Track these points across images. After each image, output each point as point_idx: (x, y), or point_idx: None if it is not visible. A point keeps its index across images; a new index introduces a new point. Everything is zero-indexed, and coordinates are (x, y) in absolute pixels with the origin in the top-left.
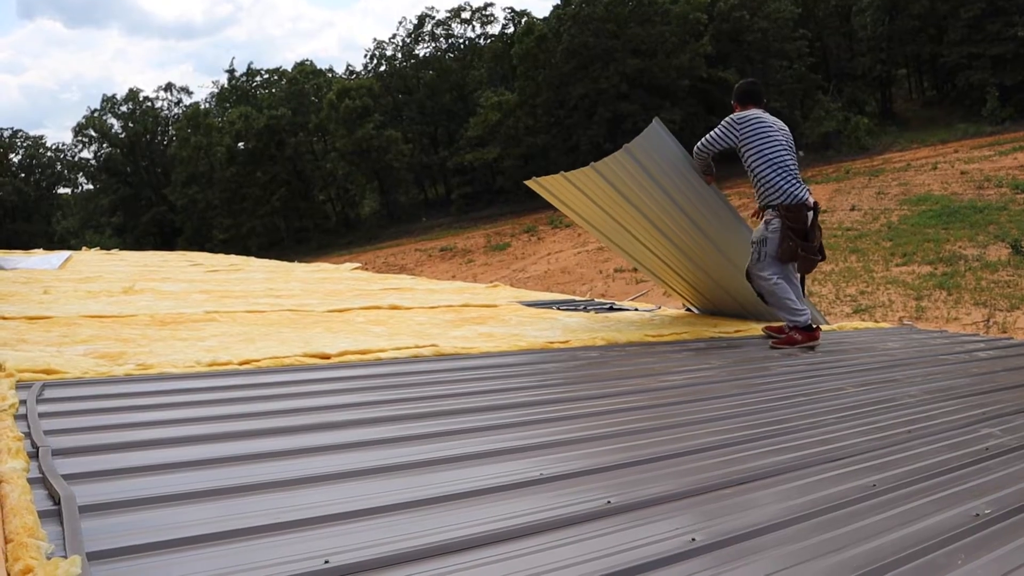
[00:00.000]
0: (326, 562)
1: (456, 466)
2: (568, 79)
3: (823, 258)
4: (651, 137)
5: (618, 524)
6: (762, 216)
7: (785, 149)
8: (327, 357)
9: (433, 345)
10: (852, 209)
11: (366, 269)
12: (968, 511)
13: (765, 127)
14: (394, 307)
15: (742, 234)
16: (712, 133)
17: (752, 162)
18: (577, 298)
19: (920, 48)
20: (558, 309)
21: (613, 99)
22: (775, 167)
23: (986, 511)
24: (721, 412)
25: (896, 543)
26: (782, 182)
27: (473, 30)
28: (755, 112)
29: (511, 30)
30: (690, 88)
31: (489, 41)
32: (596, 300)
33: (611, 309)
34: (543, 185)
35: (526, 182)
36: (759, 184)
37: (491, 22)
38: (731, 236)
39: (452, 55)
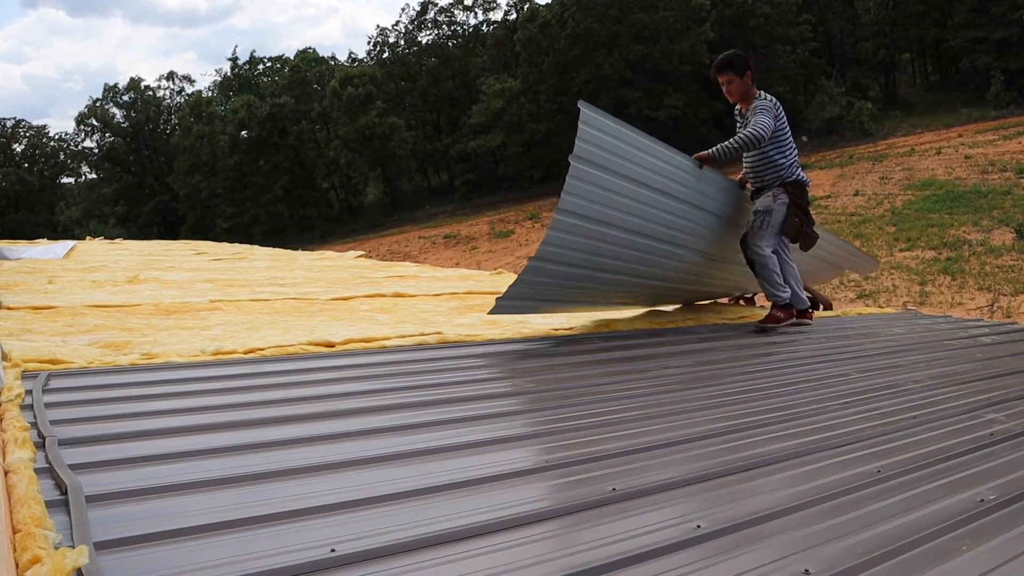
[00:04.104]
0: (332, 550)
1: (461, 454)
2: (572, 65)
3: (816, 238)
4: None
5: (623, 511)
6: (767, 192)
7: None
8: (331, 345)
9: (437, 333)
10: (856, 194)
11: (370, 257)
12: (973, 497)
13: (783, 110)
14: (398, 295)
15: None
16: (766, 120)
17: (776, 145)
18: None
19: (924, 32)
20: None
21: (617, 85)
22: (791, 149)
23: (991, 497)
24: (725, 398)
25: (901, 529)
26: (790, 163)
27: (476, 16)
28: (769, 94)
29: (514, 16)
30: (692, 74)
31: (492, 28)
32: None
33: None
34: (521, 297)
35: (492, 314)
36: (768, 164)
37: (494, 8)
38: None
39: (455, 42)
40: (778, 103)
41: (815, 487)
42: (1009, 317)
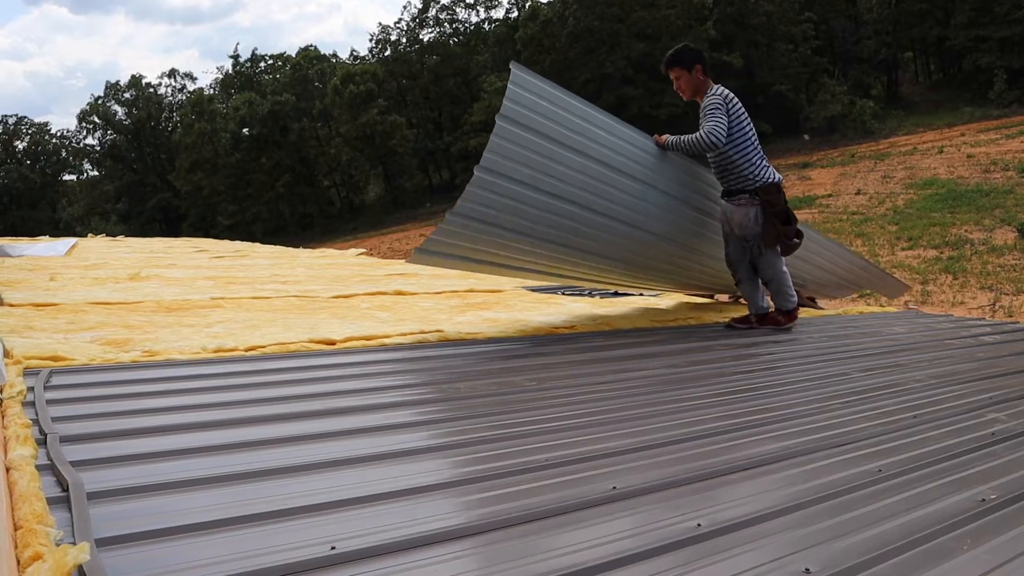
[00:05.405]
0: (332, 548)
1: (462, 452)
2: (573, 64)
3: (800, 241)
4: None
5: (623, 510)
6: (740, 208)
7: (755, 130)
8: (332, 343)
9: (438, 331)
10: (857, 193)
11: (371, 255)
12: (974, 496)
13: (741, 106)
14: (399, 293)
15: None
16: (717, 122)
17: (735, 143)
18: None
19: (926, 31)
20: (563, 294)
21: (618, 84)
22: (754, 150)
23: (992, 496)
24: (726, 397)
25: (902, 528)
26: (755, 168)
27: (477, 15)
28: (724, 88)
29: (515, 14)
30: None
31: (494, 26)
32: None
33: (615, 294)
34: (438, 251)
35: (411, 261)
36: (733, 168)
37: (495, 7)
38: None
39: (456, 40)
40: (732, 97)
41: (816, 486)
42: (1011, 316)
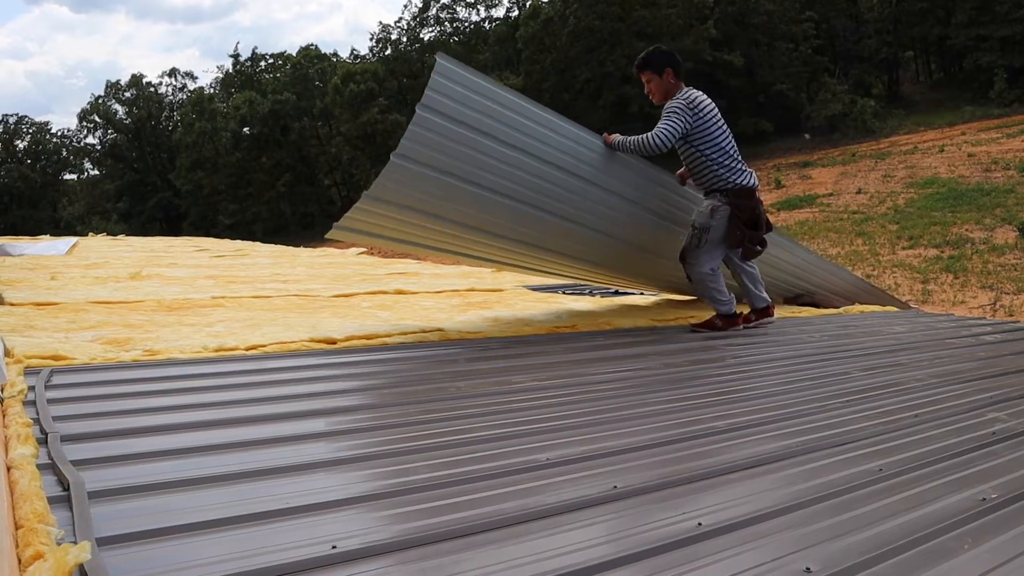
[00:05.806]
0: (333, 547)
1: (463, 451)
2: (574, 63)
3: (763, 248)
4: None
5: (625, 508)
6: (707, 202)
7: (729, 133)
8: (333, 342)
9: (439, 330)
10: (858, 192)
11: (372, 254)
12: (975, 495)
13: (712, 110)
14: (400, 292)
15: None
16: (669, 126)
17: (701, 149)
18: (582, 282)
19: (927, 30)
20: (564, 293)
21: (618, 82)
22: (725, 154)
23: (992, 495)
24: (726, 396)
25: (903, 527)
26: (727, 172)
27: (478, 14)
28: (696, 92)
29: (516, 13)
30: (694, 71)
31: (494, 25)
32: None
33: (616, 293)
34: (356, 229)
35: (328, 236)
36: (704, 171)
37: (496, 5)
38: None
39: (457, 39)
40: (700, 101)
41: (816, 485)
42: (1011, 316)
